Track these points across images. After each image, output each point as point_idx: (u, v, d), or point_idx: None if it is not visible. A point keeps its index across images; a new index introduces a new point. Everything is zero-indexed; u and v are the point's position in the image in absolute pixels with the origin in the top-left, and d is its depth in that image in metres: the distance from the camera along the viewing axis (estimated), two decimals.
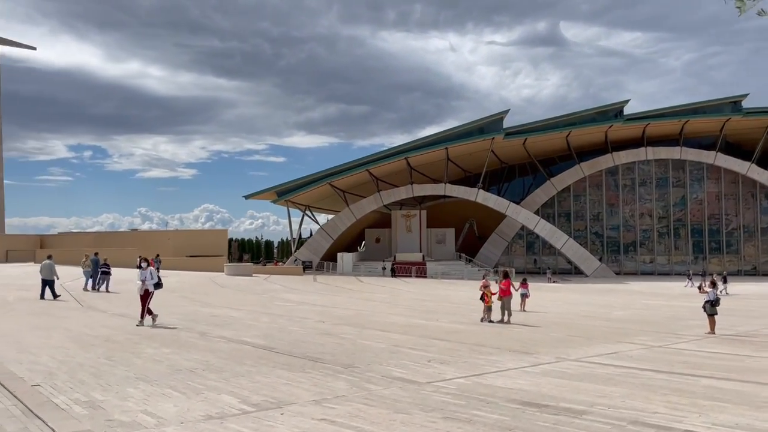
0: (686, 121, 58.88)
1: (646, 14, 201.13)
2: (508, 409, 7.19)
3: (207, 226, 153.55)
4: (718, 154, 60.78)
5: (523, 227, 62.37)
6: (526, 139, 58.69)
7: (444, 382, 8.77)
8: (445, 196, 62.79)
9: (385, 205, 61.41)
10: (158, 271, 41.66)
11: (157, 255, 45.17)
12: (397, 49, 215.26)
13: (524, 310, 22.39)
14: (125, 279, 28.91)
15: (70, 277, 31.94)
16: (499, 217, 61.43)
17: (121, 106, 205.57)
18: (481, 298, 18.70)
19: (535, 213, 60.89)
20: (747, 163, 60.16)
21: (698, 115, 58.98)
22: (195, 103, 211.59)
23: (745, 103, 58.31)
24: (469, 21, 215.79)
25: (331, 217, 67.84)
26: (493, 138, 55.48)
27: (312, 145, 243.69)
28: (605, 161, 63.12)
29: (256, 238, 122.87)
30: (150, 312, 15.16)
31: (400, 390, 8.18)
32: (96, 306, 20.56)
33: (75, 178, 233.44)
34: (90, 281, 27.21)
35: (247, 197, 62.54)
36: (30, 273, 38.58)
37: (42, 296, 22.42)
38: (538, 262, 65.71)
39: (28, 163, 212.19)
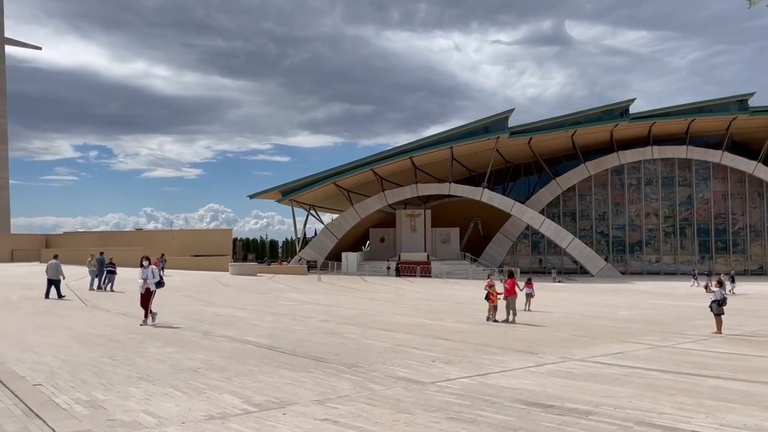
0: (692, 120, 58.62)
1: (652, 13, 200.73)
2: (513, 409, 7.11)
3: (212, 225, 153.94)
4: (725, 153, 60.49)
5: (528, 227, 62.17)
6: (531, 138, 58.51)
7: (448, 382, 8.70)
8: (449, 196, 62.65)
9: (389, 205, 61.32)
10: (163, 271, 41.92)
11: (162, 254, 45.23)
12: (402, 48, 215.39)
13: (529, 310, 22.31)
14: (130, 278, 28.88)
15: (75, 276, 32.00)
16: (504, 216, 61.27)
17: (127, 106, 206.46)
18: (486, 298, 18.62)
19: (540, 212, 60.69)
20: (754, 162, 59.85)
21: (704, 113, 58.71)
22: (200, 102, 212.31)
23: (752, 102, 58.04)
24: (473, 20, 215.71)
25: (335, 216, 67.76)
26: (498, 137, 55.33)
27: (316, 144, 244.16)
28: (611, 160, 62.88)
29: (261, 237, 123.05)
30: (149, 312, 15.11)
31: (403, 390, 8.11)
32: (100, 305, 20.55)
33: (81, 177, 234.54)
34: (96, 280, 27.27)
35: (251, 197, 62.54)
36: (35, 272, 38.65)
37: (47, 296, 22.44)
38: (543, 261, 65.54)
39: (34, 163, 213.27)
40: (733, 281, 35.27)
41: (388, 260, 58.63)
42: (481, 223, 66.15)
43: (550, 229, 58.24)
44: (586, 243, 60.41)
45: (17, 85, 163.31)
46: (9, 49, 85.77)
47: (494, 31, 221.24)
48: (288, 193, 59.54)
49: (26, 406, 6.85)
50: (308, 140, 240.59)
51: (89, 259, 28.10)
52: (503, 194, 61.77)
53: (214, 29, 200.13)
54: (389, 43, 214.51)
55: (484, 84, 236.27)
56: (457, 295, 32.01)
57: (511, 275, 19.30)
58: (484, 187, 57.87)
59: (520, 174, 69.45)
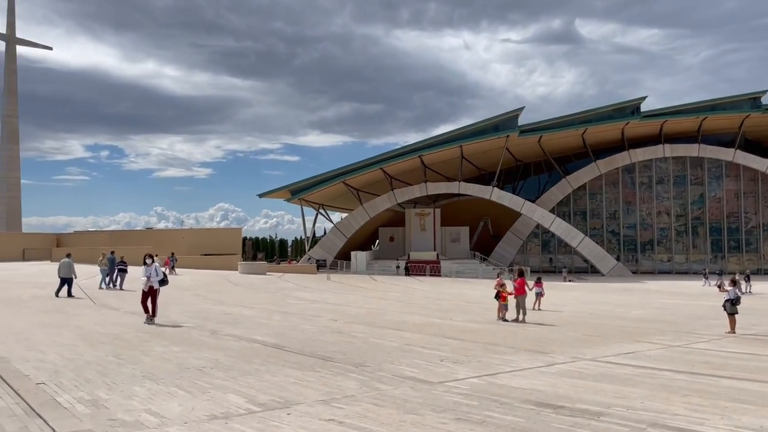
0: (704, 118, 58.13)
1: (663, 11, 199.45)
2: (523, 410, 6.95)
3: (222, 224, 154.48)
4: (737, 151, 59.94)
5: (538, 226, 61.86)
6: (541, 137, 58.21)
7: (456, 382, 8.55)
8: (459, 195, 62.43)
9: (398, 204, 61.18)
10: (174, 270, 41.96)
11: (172, 253, 45.36)
12: (411, 47, 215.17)
13: (539, 309, 22.13)
14: (139, 277, 28.93)
15: (86, 275, 32.07)
16: (514, 215, 61.00)
17: (137, 106, 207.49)
18: (496, 297, 18.46)
19: (550, 211, 60.39)
20: (767, 161, 59.25)
21: (717, 111, 58.19)
22: (210, 102, 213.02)
23: (765, 100, 57.57)
24: (483, 19, 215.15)
25: (344, 215, 67.71)
26: (507, 135, 55.06)
27: (326, 144, 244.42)
28: (622, 159, 62.46)
29: (270, 236, 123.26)
30: (154, 311, 14.99)
31: (411, 390, 7.97)
32: (109, 304, 20.53)
33: (92, 177, 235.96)
34: (107, 279, 27.38)
35: (261, 196, 62.56)
36: (46, 271, 38.80)
37: (57, 293, 22.48)
38: (553, 260, 65.21)
39: (46, 163, 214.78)
40: (748, 280, 34.90)
41: (397, 259, 58.51)
42: (490, 222, 65.90)
43: (560, 228, 57.89)
44: (596, 242, 60.03)
45: (29, 85, 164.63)
46: (20, 50, 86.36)
47: (504, 29, 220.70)
48: (297, 192, 59.52)
49: (27, 405, 6.76)
50: (318, 140, 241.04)
51: (100, 258, 28.21)
52: (513, 193, 61.50)
53: (224, 29, 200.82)
54: (399, 43, 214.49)
55: (494, 83, 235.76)
56: (467, 295, 31.83)
57: (521, 274, 19.13)
58: (493, 186, 57.61)
59: (530, 173, 69.12)
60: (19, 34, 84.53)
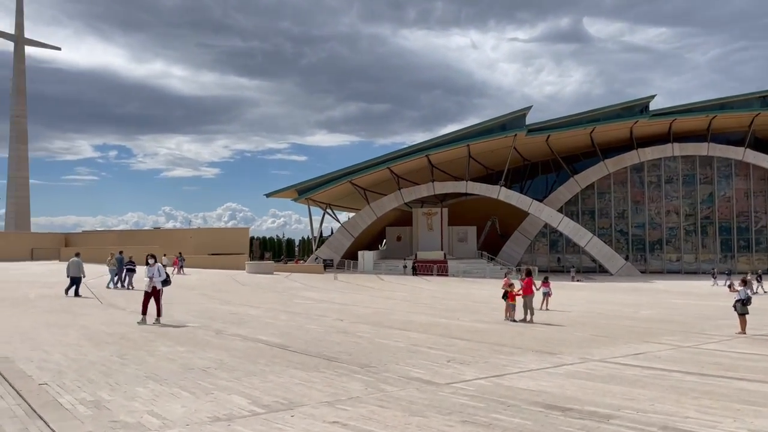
0: (714, 117, 57.68)
1: (672, 9, 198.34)
2: (530, 412, 6.83)
3: (230, 224, 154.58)
4: (747, 150, 59.44)
5: (546, 225, 61.57)
6: (549, 136, 57.93)
7: (463, 384, 8.43)
8: (466, 194, 62.22)
9: (406, 203, 61.04)
10: (182, 270, 42.05)
11: (180, 253, 45.47)
12: (419, 46, 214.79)
13: (547, 309, 21.99)
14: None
15: (94, 274, 32.14)
16: (522, 214, 60.74)
17: (146, 106, 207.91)
18: (504, 297, 18.34)
19: (558, 211, 60.10)
20: None
21: (726, 110, 57.73)
22: (218, 102, 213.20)
23: None
24: (490, 18, 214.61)
25: (351, 215, 67.65)
26: (515, 135, 54.82)
27: (333, 143, 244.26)
28: (630, 158, 62.07)
29: (277, 236, 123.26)
30: (159, 311, 14.91)
31: (416, 391, 7.86)
32: (116, 303, 20.53)
33: (101, 177, 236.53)
34: (116, 279, 27.49)
35: (268, 195, 62.56)
36: (54, 271, 38.93)
37: (67, 292, 22.56)
38: (561, 260, 64.90)
39: (55, 163, 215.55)
40: (760, 280, 34.60)
41: (404, 259, 58.37)
42: (498, 222, 65.66)
43: (568, 227, 57.61)
44: (605, 242, 59.71)
45: (38, 86, 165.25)
46: (29, 50, 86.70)
47: (512, 28, 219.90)
48: (304, 191, 59.50)
49: (29, 406, 6.70)
50: (325, 139, 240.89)
51: (109, 258, 28.36)
52: (521, 192, 61.24)
53: (232, 29, 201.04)
54: (406, 42, 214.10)
55: (502, 82, 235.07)
56: (474, 294, 31.69)
57: (528, 274, 18.98)
58: (501, 185, 57.38)
59: (537, 172, 68.83)
60: (28, 35, 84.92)
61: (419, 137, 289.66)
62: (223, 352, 10.83)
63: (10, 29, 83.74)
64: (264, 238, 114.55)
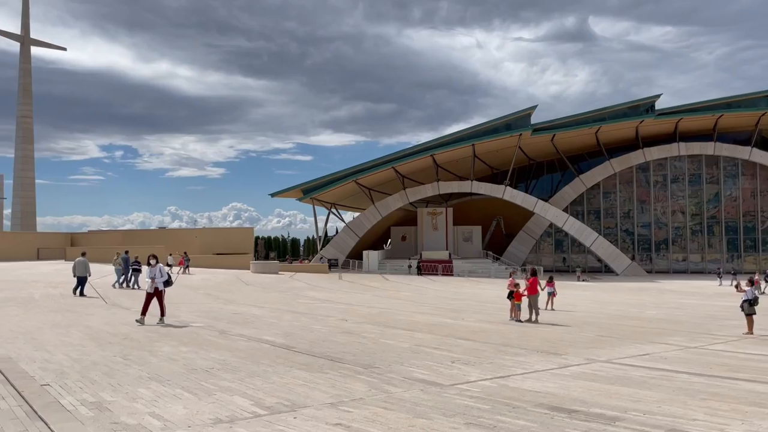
0: (720, 116, 57.40)
1: (677, 8, 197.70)
2: (536, 414, 6.75)
3: (235, 224, 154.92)
4: (754, 149, 59.19)
5: (551, 225, 61.45)
6: (554, 135, 57.78)
7: (468, 385, 8.35)
8: (471, 194, 62.12)
9: (410, 203, 60.98)
10: (188, 269, 42.17)
11: (185, 253, 45.52)
12: (423, 46, 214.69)
13: (552, 309, 21.91)
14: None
15: (99, 274, 32.15)
16: (527, 214, 60.61)
17: (151, 106, 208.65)
18: (509, 297, 18.26)
19: (563, 210, 59.95)
20: None
21: (732, 109, 57.47)
22: (223, 102, 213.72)
23: None
24: (495, 17, 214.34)
25: (356, 215, 67.61)
26: (520, 134, 54.70)
27: (338, 143, 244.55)
28: (636, 157, 61.87)
29: (282, 236, 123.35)
30: (144, 312, 14.80)
31: (421, 393, 7.79)
32: (120, 303, 20.51)
33: (107, 177, 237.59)
34: (121, 278, 27.55)
35: (273, 195, 62.61)
36: (60, 270, 39.00)
37: (75, 292, 22.66)
38: (567, 260, 64.74)
39: (61, 163, 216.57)
40: (767, 280, 34.43)
41: (409, 258, 58.31)
42: (503, 221, 65.56)
43: (573, 227, 57.45)
44: (610, 241, 59.55)
45: (45, 86, 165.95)
46: (35, 51, 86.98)
47: (516, 28, 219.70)
48: (309, 191, 59.49)
49: (30, 407, 6.65)
50: (330, 139, 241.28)
51: (115, 257, 28.43)
52: (526, 192, 61.11)
53: (237, 29, 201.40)
54: (411, 42, 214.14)
55: (506, 81, 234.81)
56: (479, 294, 31.60)
57: (534, 273, 18.91)
58: (506, 185, 57.27)
59: (543, 171, 68.69)
60: (35, 36, 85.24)
61: (424, 137, 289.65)
62: (227, 352, 10.78)
63: (16, 30, 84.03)
64: (269, 237, 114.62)
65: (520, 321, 17.62)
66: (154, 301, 14.87)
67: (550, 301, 22.51)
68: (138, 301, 20.89)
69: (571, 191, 63.19)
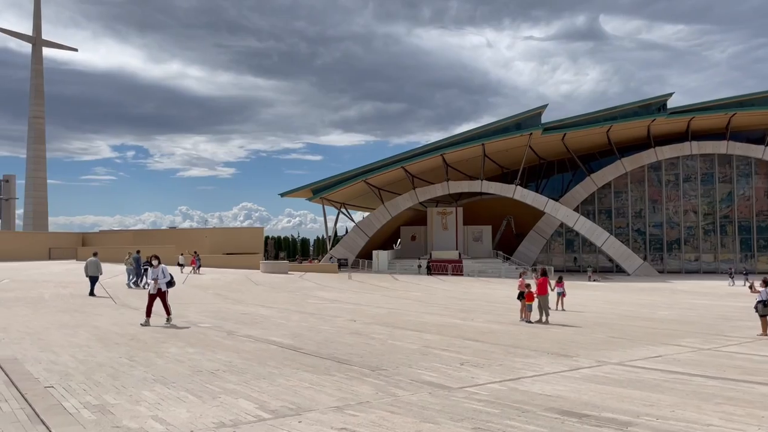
0: (733, 115, 56.84)
1: (690, 6, 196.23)
2: (546, 419, 6.60)
3: (246, 224, 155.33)
4: (767, 148, 58.55)
5: (562, 225, 61.08)
6: (565, 135, 57.43)
7: (476, 388, 8.21)
8: (481, 193, 61.87)
9: (420, 203, 60.81)
10: (199, 269, 42.32)
11: (195, 252, 45.62)
12: (433, 46, 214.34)
13: (563, 310, 21.72)
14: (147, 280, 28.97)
15: (110, 274, 32.23)
16: (538, 214, 60.29)
17: (162, 107, 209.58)
18: (519, 297, 18.09)
19: (574, 210, 59.57)
20: None
21: (745, 108, 56.88)
22: (233, 102, 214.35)
23: None
24: (506, 16, 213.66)
25: (366, 214, 67.52)
26: (531, 133, 54.41)
27: (348, 143, 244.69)
28: (648, 156, 61.39)
29: (292, 236, 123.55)
30: (168, 310, 14.76)
31: (429, 396, 7.65)
32: (129, 303, 20.49)
33: (118, 177, 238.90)
34: (133, 278, 27.63)
35: (282, 195, 62.65)
36: (71, 270, 39.13)
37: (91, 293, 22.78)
38: (578, 260, 64.34)
39: (73, 163, 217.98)
40: None
41: (419, 258, 58.15)
42: (513, 221, 65.25)
43: (584, 227, 57.07)
44: (622, 241, 59.14)
45: (57, 87, 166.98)
46: (47, 52, 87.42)
47: (527, 27, 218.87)
48: (319, 191, 59.45)
49: (32, 410, 6.57)
50: (340, 139, 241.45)
51: (126, 257, 28.53)
52: (536, 192, 60.77)
53: (247, 29, 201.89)
54: (420, 41, 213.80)
55: (517, 81, 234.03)
56: (489, 294, 31.40)
57: (544, 273, 18.74)
58: (516, 185, 56.99)
59: (553, 171, 68.32)
60: (47, 38, 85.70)
61: (434, 136, 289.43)
62: (233, 353, 10.69)
63: (28, 31, 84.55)
64: (278, 237, 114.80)
65: (530, 322, 17.44)
66: (159, 302, 14.79)
67: (560, 302, 22.32)
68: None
69: (582, 191, 62.79)
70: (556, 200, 59.38)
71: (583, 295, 31.07)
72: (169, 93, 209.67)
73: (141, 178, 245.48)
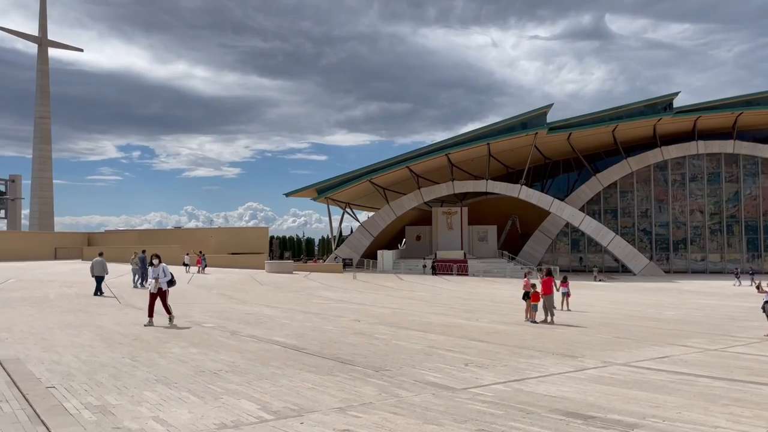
0: (740, 114, 56.51)
1: (696, 5, 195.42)
2: (551, 420, 6.53)
3: (251, 224, 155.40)
4: None
5: (567, 224, 60.88)
6: (570, 134, 57.20)
7: (481, 389, 8.14)
8: (486, 193, 61.72)
9: (425, 203, 60.69)
10: (205, 269, 42.36)
11: (200, 251, 45.67)
12: (439, 45, 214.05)
13: (568, 310, 21.62)
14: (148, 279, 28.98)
15: (115, 273, 32.25)
16: (543, 213, 60.11)
17: (168, 107, 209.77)
18: (524, 297, 18.01)
19: (580, 210, 59.35)
20: None
21: (752, 107, 56.53)
22: (239, 102, 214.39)
23: None
24: (511, 16, 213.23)
25: (371, 214, 67.45)
26: (536, 133, 54.22)
27: (353, 143, 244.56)
28: (654, 156, 61.12)
29: (297, 235, 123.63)
30: (168, 311, 14.70)
31: (432, 397, 7.59)
32: (134, 303, 20.48)
33: (124, 177, 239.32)
34: (138, 278, 27.68)
35: (287, 195, 62.62)
36: (76, 270, 39.22)
37: (101, 294, 22.80)
38: (584, 260, 64.11)
39: (80, 163, 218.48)
40: None
41: (424, 258, 58.04)
42: (519, 221, 65.06)
43: (590, 226, 56.86)
44: (628, 241, 58.86)
45: (63, 87, 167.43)
46: (53, 52, 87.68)
47: (532, 26, 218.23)
48: (324, 191, 59.41)
49: (33, 410, 6.54)
50: (345, 139, 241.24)
51: (132, 257, 28.58)
52: (542, 191, 60.57)
53: (253, 30, 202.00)
54: (426, 41, 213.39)
55: (522, 80, 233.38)
56: (494, 294, 31.30)
57: (549, 273, 18.64)
58: (522, 184, 56.80)
59: (559, 170, 68.06)
60: (54, 38, 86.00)
61: (439, 136, 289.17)
62: (237, 353, 10.64)
63: (34, 31, 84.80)
64: (283, 237, 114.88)
65: (535, 322, 17.35)
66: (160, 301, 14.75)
67: (565, 302, 22.22)
68: None
69: (587, 190, 62.57)
70: (562, 200, 59.17)
71: (588, 295, 30.95)
72: (174, 93, 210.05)
73: (147, 178, 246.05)
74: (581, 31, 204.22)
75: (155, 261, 14.80)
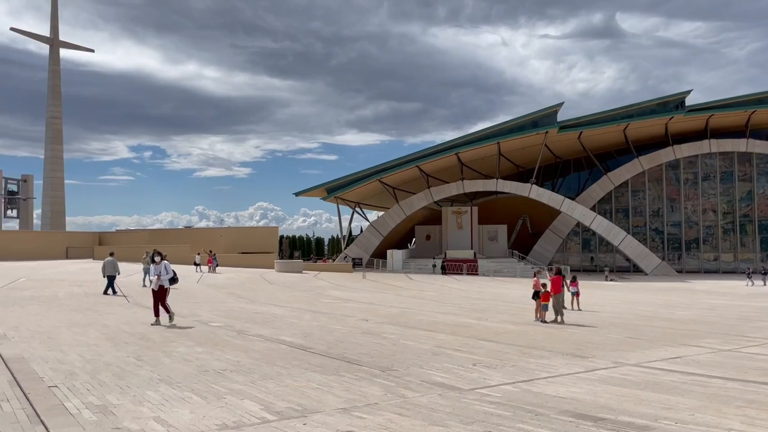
0: (753, 112, 55.92)
1: (708, 2, 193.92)
2: (560, 422, 6.37)
3: (262, 223, 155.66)
4: None
5: (578, 224, 60.50)
6: (581, 133, 56.81)
7: (488, 389, 7.99)
8: (496, 192, 61.45)
9: (435, 202, 60.50)
10: (215, 268, 42.43)
11: (211, 251, 45.75)
12: (449, 45, 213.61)
13: (579, 309, 21.41)
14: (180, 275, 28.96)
15: (125, 273, 32.30)
16: (554, 213, 59.76)
17: (179, 107, 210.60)
18: (534, 297, 17.83)
19: (591, 209, 58.95)
20: None
21: (765, 105, 55.90)
22: (249, 103, 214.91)
23: None
24: (521, 15, 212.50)
25: (381, 214, 67.34)
26: (546, 132, 53.90)
27: (363, 143, 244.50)
28: (666, 155, 60.61)
29: (307, 235, 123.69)
30: (167, 310, 14.59)
31: (439, 397, 7.45)
32: (142, 302, 20.44)
33: (136, 177, 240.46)
34: (148, 277, 27.74)
35: (297, 194, 62.65)
36: (87, 269, 39.38)
37: (114, 293, 22.86)
38: (595, 259, 63.70)
39: (92, 164, 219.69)
40: None
41: (434, 258, 57.86)
42: (529, 220, 64.74)
43: (601, 226, 56.46)
44: (639, 240, 58.42)
45: (75, 88, 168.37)
46: (65, 53, 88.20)
47: (542, 25, 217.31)
48: (333, 190, 59.36)
49: (33, 410, 6.45)
50: (355, 138, 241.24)
51: (144, 256, 28.63)
52: (552, 190, 60.21)
53: (263, 30, 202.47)
54: (436, 40, 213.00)
55: (532, 79, 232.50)
56: (504, 294, 31.10)
57: (558, 272, 18.46)
58: (532, 183, 56.49)
59: (569, 169, 67.65)
60: (66, 39, 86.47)
61: (449, 135, 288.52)
62: (242, 353, 10.55)
63: (46, 32, 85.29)
64: (293, 236, 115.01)
65: (545, 322, 17.17)
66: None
67: (574, 301, 22.02)
68: None
69: (598, 189, 62.16)
70: (573, 199, 58.80)
71: (600, 295, 30.69)
72: (185, 94, 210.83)
73: (158, 178, 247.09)
74: (592, 30, 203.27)
75: (157, 258, 14.73)
